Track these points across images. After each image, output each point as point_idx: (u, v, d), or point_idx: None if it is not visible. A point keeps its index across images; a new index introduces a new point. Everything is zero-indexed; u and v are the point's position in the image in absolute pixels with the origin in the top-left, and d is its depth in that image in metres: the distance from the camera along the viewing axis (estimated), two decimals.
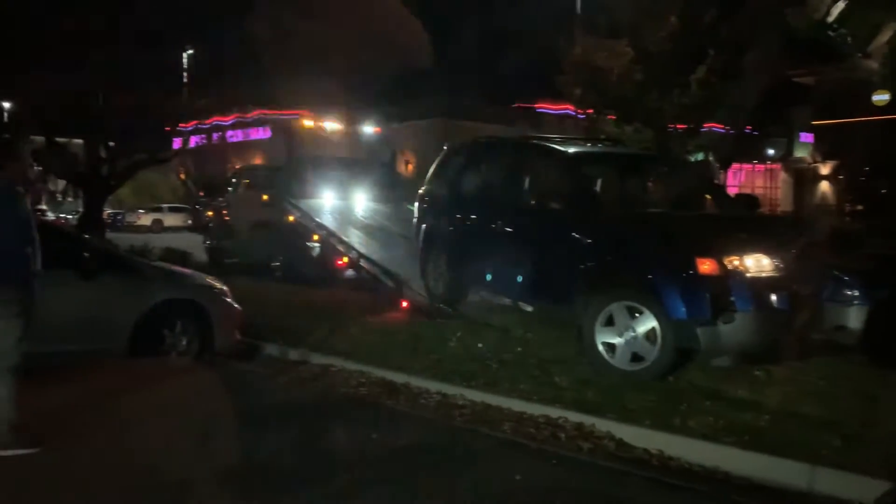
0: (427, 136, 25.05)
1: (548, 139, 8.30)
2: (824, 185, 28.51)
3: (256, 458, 4.48)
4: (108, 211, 29.67)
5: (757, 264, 5.72)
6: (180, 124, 19.74)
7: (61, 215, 40.77)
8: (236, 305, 7.43)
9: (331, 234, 11.06)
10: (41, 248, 4.75)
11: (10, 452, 4.37)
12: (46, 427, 4.72)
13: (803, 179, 29.70)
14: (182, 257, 14.54)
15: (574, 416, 5.19)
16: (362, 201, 13.04)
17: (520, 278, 7.51)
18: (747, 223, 7.03)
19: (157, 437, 4.86)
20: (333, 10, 16.15)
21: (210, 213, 18.76)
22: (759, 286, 5.62)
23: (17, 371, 4.49)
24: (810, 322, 5.81)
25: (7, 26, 14.21)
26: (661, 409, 5.22)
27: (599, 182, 7.73)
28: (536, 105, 30.89)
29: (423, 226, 9.04)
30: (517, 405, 5.51)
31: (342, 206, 12.75)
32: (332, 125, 14.46)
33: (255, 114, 18.83)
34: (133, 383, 6.07)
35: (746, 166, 31.51)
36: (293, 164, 14.08)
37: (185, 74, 18.71)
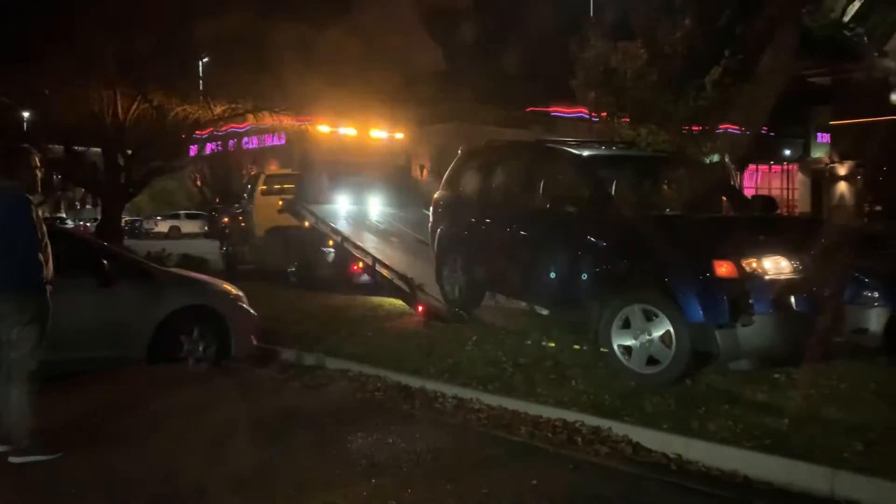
0: (442, 141, 25.06)
1: (562, 142, 8.28)
2: (842, 186, 28.22)
3: (273, 464, 4.49)
4: (125, 218, 29.95)
5: (775, 266, 5.67)
6: (196, 132, 19.89)
7: (80, 222, 41.22)
8: (253, 311, 7.47)
9: (346, 239, 11.08)
10: (60, 255, 4.80)
11: (31, 459, 4.42)
12: (67, 433, 4.77)
13: (820, 180, 29.44)
14: (199, 264, 14.65)
15: (591, 420, 5.17)
16: (377, 206, 13.06)
17: (536, 282, 7.50)
18: (765, 225, 6.97)
19: (177, 442, 4.90)
20: (341, 19, 16.28)
21: (226, 220, 18.88)
22: (778, 288, 5.57)
23: (36, 378, 4.54)
24: (830, 325, 5.75)
25: (22, 34, 14.38)
26: (679, 412, 5.18)
27: (614, 185, 7.70)
28: (550, 109, 30.86)
29: (439, 230, 9.05)
30: (533, 409, 5.49)
31: (357, 211, 12.78)
32: (346, 130, 14.48)
33: (269, 120, 18.91)
34: (152, 390, 6.13)
35: (763, 167, 31.31)
36: (308, 169, 14.08)
37: (200, 82, 18.83)
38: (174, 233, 39.35)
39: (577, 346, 6.76)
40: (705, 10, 13.79)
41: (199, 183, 42.36)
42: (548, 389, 5.83)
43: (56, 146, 18.30)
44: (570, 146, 7.88)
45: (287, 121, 18.69)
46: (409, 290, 9.05)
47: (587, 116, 17.10)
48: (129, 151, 17.78)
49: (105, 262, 6.56)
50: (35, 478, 4.29)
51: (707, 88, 13.43)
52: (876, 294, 6.14)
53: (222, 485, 4.17)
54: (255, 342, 7.42)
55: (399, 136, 14.75)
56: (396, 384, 6.40)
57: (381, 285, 10.32)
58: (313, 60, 15.11)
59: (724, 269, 5.60)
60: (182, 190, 45.16)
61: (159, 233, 39.10)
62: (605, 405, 5.43)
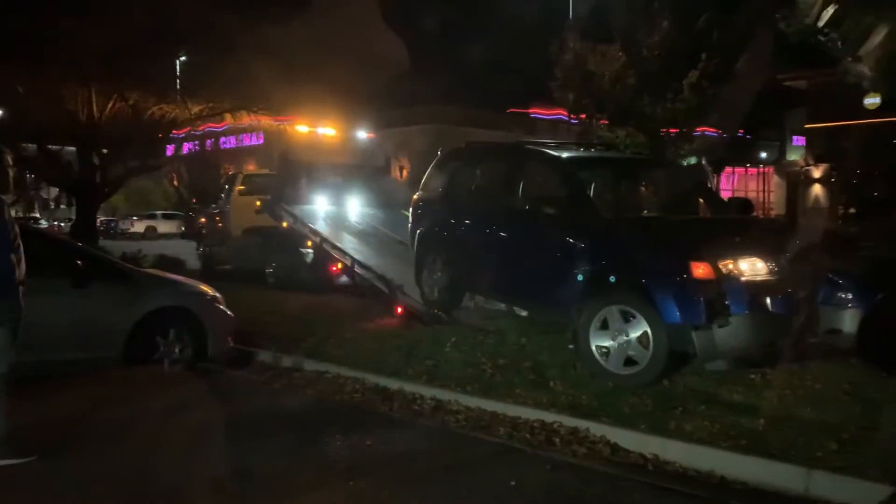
0: (422, 142, 25.08)
1: (542, 144, 8.31)
2: (817, 188, 28.63)
3: (250, 466, 4.46)
4: (101, 218, 29.58)
5: (751, 268, 5.73)
6: (173, 131, 19.70)
7: (54, 222, 40.69)
8: (229, 312, 7.42)
9: (324, 239, 11.02)
10: (33, 256, 4.73)
11: (3, 462, 4.34)
12: (40, 436, 4.70)
13: (796, 183, 29.83)
14: (175, 264, 14.51)
15: (569, 421, 5.18)
16: (356, 207, 13.02)
17: (515, 283, 7.51)
18: (741, 227, 7.04)
19: (152, 445, 4.85)
20: (311, 20, 16.23)
21: (203, 220, 18.72)
22: (754, 290, 5.62)
23: (6, 381, 4.46)
24: (805, 326, 5.81)
25: None
26: (656, 413, 5.21)
27: (593, 186, 7.74)
28: (530, 110, 30.99)
29: (418, 231, 9.03)
30: (512, 410, 5.50)
31: (336, 212, 12.73)
32: (325, 130, 14.42)
33: (247, 120, 18.76)
34: (127, 392, 6.06)
35: (739, 170, 31.66)
36: (286, 169, 13.99)
37: (178, 81, 18.64)
38: (150, 233, 38.96)
39: (555, 347, 6.78)
40: (683, 14, 13.91)
41: (175, 183, 41.99)
42: (526, 390, 5.84)
43: (29, 145, 18.01)
44: (550, 148, 7.90)
45: (265, 120, 18.56)
46: (388, 292, 9.03)
47: (566, 118, 17.20)
48: (105, 150, 17.56)
49: (79, 262, 6.49)
50: (7, 481, 4.22)
51: (684, 91, 13.56)
52: (849, 295, 6.22)
53: (197, 487, 4.14)
54: (231, 344, 7.37)
55: (371, 136, 14.72)
56: (375, 386, 6.38)
57: (359, 286, 10.29)
58: (290, 61, 15.04)
59: (700, 270, 5.65)
60: (159, 190, 44.73)
61: (135, 233, 38.69)
62: (584, 406, 5.45)
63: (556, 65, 14.79)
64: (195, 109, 17.99)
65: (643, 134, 13.95)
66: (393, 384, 6.33)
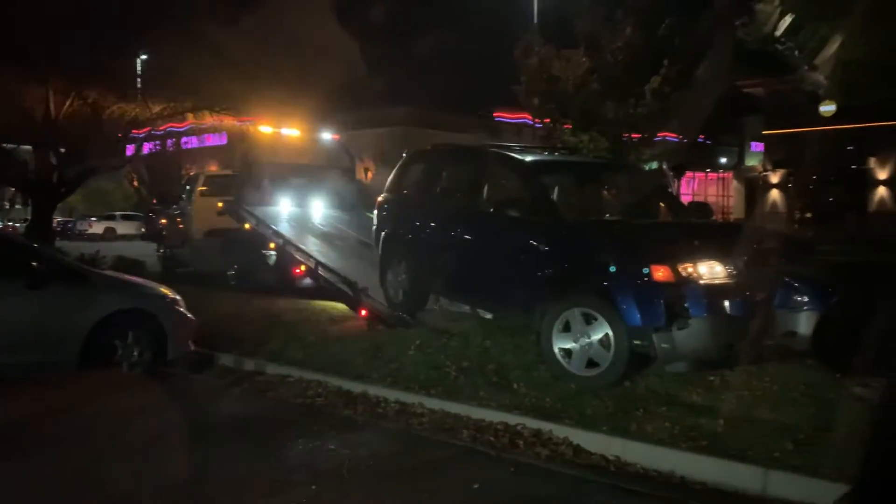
0: (387, 144, 25.01)
1: (506, 147, 8.34)
2: (775, 193, 29.24)
3: (208, 472, 4.40)
4: (58, 219, 28.95)
5: (710, 271, 5.82)
6: (133, 130, 19.35)
7: (9, 223, 39.68)
8: (190, 315, 7.32)
9: (288, 242, 10.93)
10: None
11: None
12: None
13: (754, 187, 30.43)
14: (134, 266, 14.25)
15: (532, 423, 5.21)
16: (321, 209, 12.93)
17: (479, 285, 7.53)
18: (700, 231, 7.15)
19: (108, 450, 4.75)
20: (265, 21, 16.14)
21: (164, 221, 18.43)
22: (713, 293, 5.71)
23: None
24: (762, 328, 5.92)
25: None
26: (618, 414, 5.27)
27: (556, 190, 7.79)
28: (495, 113, 31.09)
29: (383, 233, 9.01)
30: (476, 412, 5.51)
31: (300, 214, 12.62)
32: (289, 131, 14.29)
33: (209, 120, 18.50)
34: (83, 396, 5.94)
35: (700, 175, 32.15)
36: (249, 170, 13.83)
37: (139, 80, 18.33)
38: (109, 234, 38.24)
39: (520, 350, 6.79)
40: (646, 21, 14.09)
41: (135, 183, 41.25)
42: (490, 393, 5.85)
43: None
44: (514, 151, 7.94)
45: (228, 120, 18.34)
46: (352, 294, 8.98)
47: (531, 122, 17.31)
48: (63, 150, 17.19)
49: (35, 263, 6.35)
50: None
51: (647, 97, 13.73)
52: (805, 298, 6.35)
53: (154, 494, 4.06)
54: (192, 347, 7.27)
55: (336, 137, 14.63)
56: (338, 389, 6.34)
57: (323, 289, 10.21)
58: (251, 60, 14.89)
59: (660, 273, 5.72)
60: (118, 190, 43.92)
61: (94, 234, 37.94)
62: (547, 408, 5.48)
63: (521, 69, 14.87)
64: (156, 109, 17.71)
65: (606, 138, 14.09)
66: (356, 387, 6.30)
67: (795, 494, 4.12)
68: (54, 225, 21.22)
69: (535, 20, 21.08)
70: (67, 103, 16.63)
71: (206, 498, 4.02)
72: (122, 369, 6.59)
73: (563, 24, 15.14)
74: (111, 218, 40.81)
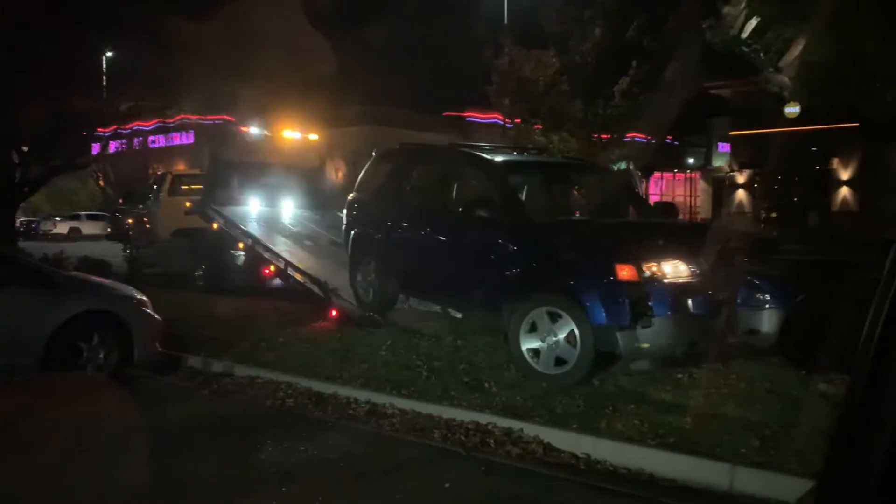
0: (357, 143, 24.90)
1: (476, 147, 8.36)
2: (741, 193, 29.69)
3: (178, 475, 4.33)
4: (21, 219, 28.37)
5: (674, 270, 5.88)
6: (99, 129, 19.04)
7: None
8: (157, 316, 7.20)
9: (257, 242, 10.82)
10: None
11: None
12: None
13: (721, 188, 30.85)
14: (100, 267, 14.01)
15: (503, 422, 5.22)
16: (290, 208, 12.83)
17: (449, 285, 7.53)
18: (666, 230, 7.22)
19: (73, 454, 4.64)
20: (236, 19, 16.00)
21: (130, 221, 18.15)
22: (676, 291, 5.78)
23: None
24: (725, 326, 6.00)
25: None
26: (587, 412, 5.30)
27: (525, 190, 7.83)
28: (465, 113, 31.13)
29: (353, 233, 8.96)
30: (447, 412, 5.50)
31: (269, 214, 12.52)
32: (257, 130, 14.17)
33: (177, 118, 18.26)
34: (45, 400, 5.79)
35: (667, 175, 32.48)
36: (217, 169, 13.67)
37: (104, 77, 18.02)
38: (74, 234, 37.52)
39: (490, 349, 6.81)
40: (614, 23, 14.22)
41: (101, 182, 40.57)
42: (461, 392, 5.85)
43: None
44: (484, 151, 7.96)
45: (196, 119, 18.14)
46: (322, 294, 8.92)
47: (501, 122, 17.37)
48: (26, 148, 16.84)
49: None
50: None
51: (616, 98, 13.87)
52: (767, 297, 6.45)
53: (122, 497, 3.99)
54: (159, 349, 7.15)
55: (313, 136, 14.54)
56: (308, 390, 6.29)
57: (293, 289, 10.13)
58: (221, 59, 14.74)
59: (625, 272, 5.77)
60: (84, 190, 43.16)
61: (58, 234, 37.20)
62: (517, 407, 5.49)
63: (492, 69, 14.92)
64: (122, 107, 17.44)
65: (576, 139, 14.20)
66: (327, 388, 6.25)
67: (762, 490, 4.17)
68: (17, 225, 20.79)
69: (506, 20, 21.14)
70: (31, 100, 16.29)
71: (174, 500, 3.96)
72: (87, 372, 6.46)
73: (534, 24, 15.23)
74: (76, 218, 40.06)
